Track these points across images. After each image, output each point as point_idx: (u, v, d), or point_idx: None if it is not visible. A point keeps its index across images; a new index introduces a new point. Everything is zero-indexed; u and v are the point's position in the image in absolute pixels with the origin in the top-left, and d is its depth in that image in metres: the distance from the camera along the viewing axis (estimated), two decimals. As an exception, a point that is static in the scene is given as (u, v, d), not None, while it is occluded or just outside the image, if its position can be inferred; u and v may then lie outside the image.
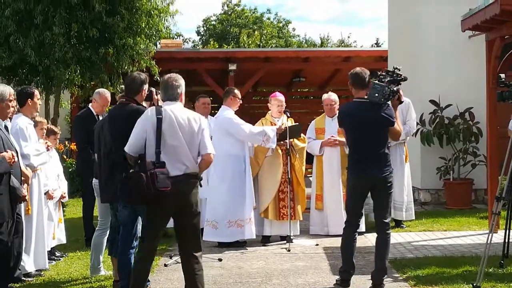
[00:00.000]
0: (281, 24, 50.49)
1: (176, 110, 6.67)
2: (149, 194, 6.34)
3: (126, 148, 6.64)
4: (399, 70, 7.44)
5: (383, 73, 7.44)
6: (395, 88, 7.38)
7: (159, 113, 6.60)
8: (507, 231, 8.34)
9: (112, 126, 7.18)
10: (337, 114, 10.98)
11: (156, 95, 7.55)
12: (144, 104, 7.47)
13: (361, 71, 7.60)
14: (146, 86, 7.37)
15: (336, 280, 7.66)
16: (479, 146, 13.59)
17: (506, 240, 8.31)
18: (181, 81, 6.86)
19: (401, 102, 7.59)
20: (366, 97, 7.47)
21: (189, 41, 49.73)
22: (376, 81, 7.34)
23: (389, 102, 7.48)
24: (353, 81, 7.61)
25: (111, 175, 7.13)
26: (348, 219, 7.73)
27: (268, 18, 50.25)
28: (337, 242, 10.12)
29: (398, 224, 11.31)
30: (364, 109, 7.43)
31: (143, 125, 6.63)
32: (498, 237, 9.04)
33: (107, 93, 10.08)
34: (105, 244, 8.28)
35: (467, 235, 10.62)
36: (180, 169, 6.56)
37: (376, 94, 7.29)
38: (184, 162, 6.58)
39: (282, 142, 10.14)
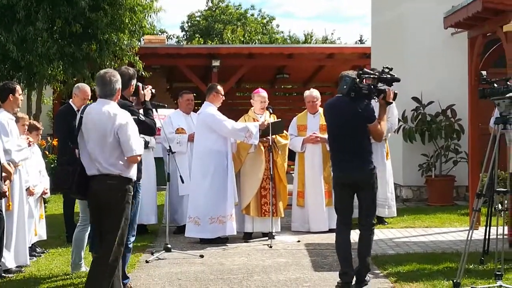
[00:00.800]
0: (265, 21, 50.51)
1: (96, 110, 6.54)
2: (58, 189, 6.88)
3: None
4: (391, 70, 7.41)
5: (371, 72, 7.42)
6: (383, 87, 7.37)
7: (83, 111, 6.63)
8: (488, 227, 8.39)
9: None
10: (319, 111, 11.05)
11: (143, 90, 7.55)
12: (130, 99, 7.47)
13: (347, 73, 7.49)
14: (134, 81, 7.38)
15: (338, 283, 7.38)
16: (460, 143, 13.67)
17: (487, 237, 8.35)
18: (118, 77, 6.66)
19: (388, 103, 7.55)
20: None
21: (173, 37, 49.67)
22: (347, 75, 7.34)
23: (373, 101, 7.46)
24: (338, 80, 7.56)
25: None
26: (338, 218, 7.58)
27: (252, 15, 50.27)
28: (318, 238, 10.26)
29: (380, 220, 11.34)
30: (342, 104, 7.38)
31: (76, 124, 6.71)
32: (479, 233, 9.08)
33: (86, 87, 10.01)
34: (86, 240, 8.26)
35: (448, 231, 10.68)
36: (96, 168, 6.49)
37: (344, 86, 7.26)
38: (99, 161, 6.46)
39: (264, 138, 10.13)
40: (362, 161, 7.37)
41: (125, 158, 6.50)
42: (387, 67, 7.43)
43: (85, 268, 8.29)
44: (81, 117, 6.58)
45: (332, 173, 7.69)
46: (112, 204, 6.48)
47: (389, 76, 7.39)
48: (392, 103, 7.67)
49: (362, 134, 7.41)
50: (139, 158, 6.64)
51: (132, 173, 6.63)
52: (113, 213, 6.48)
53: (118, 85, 6.64)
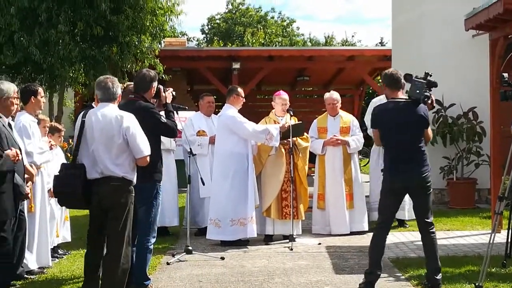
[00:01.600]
0: (285, 23, 50.57)
1: (100, 113, 6.62)
2: (59, 194, 6.60)
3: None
4: (431, 76, 7.39)
5: (417, 77, 7.39)
6: (428, 93, 7.36)
7: (84, 115, 6.68)
8: (510, 231, 8.33)
9: None
10: (339, 113, 11.03)
11: (164, 92, 7.57)
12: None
13: (396, 72, 7.49)
14: (155, 84, 7.41)
15: (360, 284, 7.42)
16: (482, 146, 13.58)
17: (509, 240, 8.30)
18: (118, 83, 6.80)
19: (433, 107, 7.55)
20: (402, 96, 7.42)
21: (194, 39, 49.83)
22: (417, 78, 7.32)
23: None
24: (388, 82, 7.50)
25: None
26: (381, 221, 7.59)
27: (272, 17, 50.38)
28: (339, 241, 10.23)
29: (401, 223, 11.31)
30: (402, 109, 7.34)
31: (75, 129, 6.77)
32: (501, 237, 9.02)
33: None
34: None
35: (470, 234, 10.62)
36: (98, 172, 6.54)
37: (418, 91, 7.23)
38: (104, 163, 6.52)
39: (285, 141, 10.13)
40: (422, 165, 7.34)
41: (134, 159, 6.60)
42: (428, 73, 7.38)
43: None
44: (83, 121, 6.63)
45: (384, 177, 7.54)
46: (118, 206, 6.55)
47: (432, 80, 7.37)
48: (434, 107, 7.65)
49: (421, 138, 7.42)
50: (148, 159, 6.69)
51: (134, 177, 6.69)
52: (120, 214, 6.54)
53: (119, 90, 6.77)
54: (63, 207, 9.26)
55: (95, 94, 6.98)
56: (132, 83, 7.80)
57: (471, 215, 12.30)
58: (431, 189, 7.48)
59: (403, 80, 7.48)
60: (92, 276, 6.72)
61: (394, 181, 7.38)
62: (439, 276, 7.34)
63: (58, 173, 6.68)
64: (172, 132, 7.44)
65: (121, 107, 7.44)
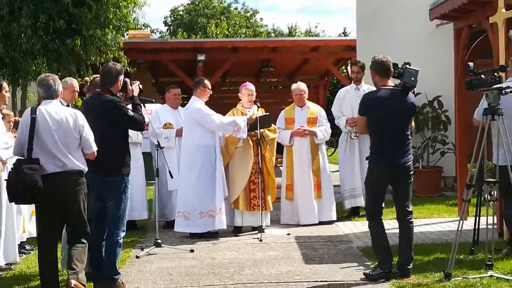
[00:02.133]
0: (248, 14, 50.49)
1: (51, 109, 6.72)
2: (18, 190, 6.48)
3: (14, 150, 6.85)
4: (410, 65, 7.42)
5: (408, 64, 7.40)
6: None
7: (34, 112, 6.69)
8: (477, 218, 8.41)
9: (86, 117, 7.16)
10: (306, 104, 11.04)
11: (131, 85, 7.51)
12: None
13: (387, 60, 7.48)
14: (121, 77, 7.34)
15: (373, 274, 7.37)
16: (447, 134, 13.70)
17: (476, 227, 8.38)
18: (59, 80, 6.95)
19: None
20: (391, 84, 7.46)
21: (157, 31, 49.55)
22: (409, 66, 7.32)
23: None
24: (378, 69, 7.49)
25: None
26: (373, 209, 7.60)
27: (236, 8, 50.28)
28: (307, 231, 10.26)
29: (356, 211, 11.40)
30: (394, 97, 7.38)
31: (21, 125, 6.77)
32: (468, 224, 9.10)
33: (74, 80, 9.95)
34: None
35: (437, 222, 10.71)
36: (58, 166, 6.63)
37: (413, 78, 7.28)
38: (61, 159, 6.64)
39: (252, 132, 10.12)
40: (407, 152, 7.44)
41: (85, 154, 6.80)
42: (408, 63, 7.40)
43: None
44: (33, 118, 6.62)
45: (371, 163, 7.54)
46: (77, 199, 6.74)
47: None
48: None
49: (409, 126, 7.52)
50: (96, 154, 6.85)
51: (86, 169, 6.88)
52: (79, 207, 6.76)
53: (60, 88, 6.93)
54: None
55: (38, 92, 7.02)
56: (98, 75, 7.73)
57: (437, 203, 12.42)
58: (412, 178, 7.56)
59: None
60: (54, 274, 6.90)
61: (383, 167, 7.40)
62: (410, 266, 7.40)
63: (14, 168, 6.62)
64: (140, 125, 7.38)
65: (88, 100, 7.42)
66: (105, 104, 7.07)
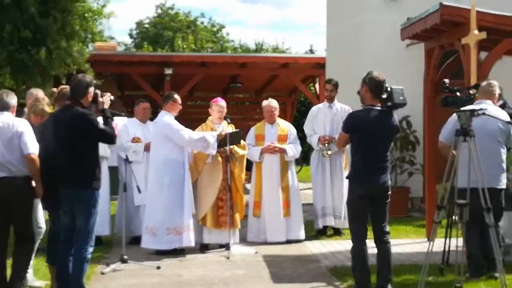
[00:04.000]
0: (215, 29, 50.45)
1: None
2: None
3: None
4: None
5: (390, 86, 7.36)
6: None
7: None
8: (446, 239, 8.40)
9: (56, 130, 7.03)
10: (277, 121, 10.98)
11: (101, 97, 7.37)
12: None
13: (384, 79, 7.38)
14: (91, 89, 7.20)
15: None
16: (415, 155, 13.73)
17: (447, 249, 8.37)
18: (12, 95, 7.60)
19: None
20: (378, 105, 7.35)
21: (122, 44, 49.26)
22: (393, 87, 7.27)
23: None
24: (374, 87, 7.34)
25: (52, 181, 6.98)
26: (357, 231, 7.42)
27: (202, 23, 50.18)
28: (275, 250, 10.17)
29: (337, 231, 11.32)
30: (380, 118, 7.29)
31: None
32: (436, 245, 9.06)
33: (39, 91, 9.79)
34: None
35: (405, 243, 10.64)
36: (3, 170, 7.13)
37: (401, 98, 7.24)
38: (5, 165, 7.13)
39: (222, 149, 10.01)
40: (387, 173, 7.39)
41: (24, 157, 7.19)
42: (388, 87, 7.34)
43: (31, 278, 7.97)
44: None
45: (353, 183, 7.46)
46: (22, 203, 7.26)
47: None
48: None
49: (389, 146, 7.50)
50: (33, 157, 7.19)
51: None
52: (26, 210, 7.33)
53: (13, 101, 7.48)
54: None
55: None
56: (67, 86, 7.61)
57: (404, 224, 12.38)
58: (389, 198, 7.49)
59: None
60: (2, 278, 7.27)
61: (364, 187, 7.31)
62: (390, 287, 7.32)
63: None
64: (111, 138, 7.27)
65: (57, 113, 7.30)
66: (75, 118, 6.96)
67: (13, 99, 7.45)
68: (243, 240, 10.75)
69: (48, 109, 7.88)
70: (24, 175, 7.18)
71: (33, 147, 7.20)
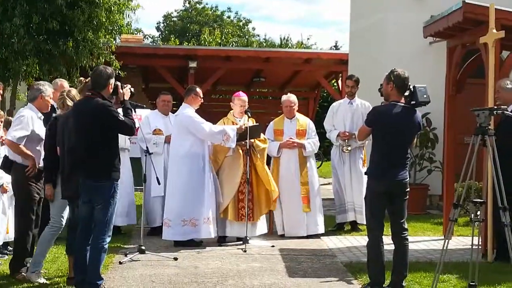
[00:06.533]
0: (241, 23, 50.52)
1: None
2: None
3: None
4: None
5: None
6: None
7: None
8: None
9: (76, 120, 7.11)
10: (296, 116, 11.01)
11: (122, 89, 7.45)
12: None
13: (408, 77, 7.41)
14: (112, 80, 7.28)
15: None
16: (435, 152, 13.72)
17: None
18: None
19: None
20: (403, 101, 7.37)
21: (149, 37, 49.50)
22: (416, 85, 7.32)
23: None
24: (400, 84, 7.37)
25: (73, 171, 7.11)
26: (374, 226, 7.48)
27: (229, 17, 50.30)
28: (292, 244, 10.23)
29: (355, 227, 11.35)
30: (403, 115, 7.32)
31: None
32: (452, 243, 9.09)
33: (64, 81, 9.93)
34: (52, 242, 8.10)
35: (422, 240, 10.68)
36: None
37: (425, 96, 7.29)
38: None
39: (242, 142, 10.08)
40: (406, 169, 7.41)
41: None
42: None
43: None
44: None
45: (371, 178, 7.50)
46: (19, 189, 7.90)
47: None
48: None
49: (411, 143, 7.55)
50: (7, 142, 7.80)
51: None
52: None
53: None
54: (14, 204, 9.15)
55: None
56: None
57: (422, 221, 12.40)
58: (408, 195, 7.51)
59: None
60: None
61: (382, 183, 7.34)
62: (404, 283, 7.38)
63: None
64: (130, 130, 7.33)
65: (78, 103, 7.37)
66: (95, 108, 7.02)
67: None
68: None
69: (70, 103, 7.92)
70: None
71: (11, 133, 7.70)
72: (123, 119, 7.18)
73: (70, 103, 7.68)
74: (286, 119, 11.12)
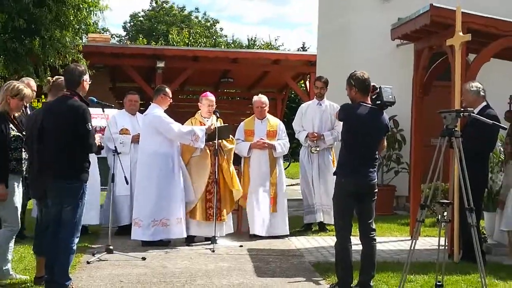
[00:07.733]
0: (209, 24, 50.49)
1: None
2: None
3: None
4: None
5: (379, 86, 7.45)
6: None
7: None
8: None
9: (49, 120, 7.06)
10: (267, 116, 11.05)
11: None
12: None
13: (368, 77, 7.45)
14: (86, 77, 7.23)
15: None
16: (402, 153, 13.84)
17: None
18: None
19: None
20: (369, 102, 7.42)
21: (116, 36, 49.26)
22: (383, 86, 7.38)
23: None
24: (360, 86, 7.40)
25: (42, 171, 7.07)
26: (342, 226, 7.50)
27: (196, 17, 50.22)
28: (260, 244, 10.25)
29: (322, 228, 11.41)
30: (370, 115, 7.36)
31: None
32: (419, 243, 9.18)
33: (31, 80, 9.84)
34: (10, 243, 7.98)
35: (389, 241, 10.77)
36: None
37: (390, 96, 7.34)
38: None
39: (211, 142, 10.09)
40: (373, 171, 7.45)
41: None
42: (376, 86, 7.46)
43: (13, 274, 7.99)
44: None
45: (339, 178, 7.51)
46: None
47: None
48: None
49: (379, 145, 7.56)
50: None
51: None
52: None
53: None
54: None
55: None
56: (61, 77, 7.66)
57: (389, 222, 12.50)
58: (376, 196, 7.57)
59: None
60: None
61: (350, 183, 7.38)
62: (371, 283, 7.43)
63: None
64: (91, 146, 7.14)
65: (53, 102, 7.30)
66: (69, 110, 6.98)
67: None
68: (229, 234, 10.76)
69: (29, 93, 7.76)
70: None
71: None
72: (91, 129, 7.08)
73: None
74: (256, 119, 11.15)
